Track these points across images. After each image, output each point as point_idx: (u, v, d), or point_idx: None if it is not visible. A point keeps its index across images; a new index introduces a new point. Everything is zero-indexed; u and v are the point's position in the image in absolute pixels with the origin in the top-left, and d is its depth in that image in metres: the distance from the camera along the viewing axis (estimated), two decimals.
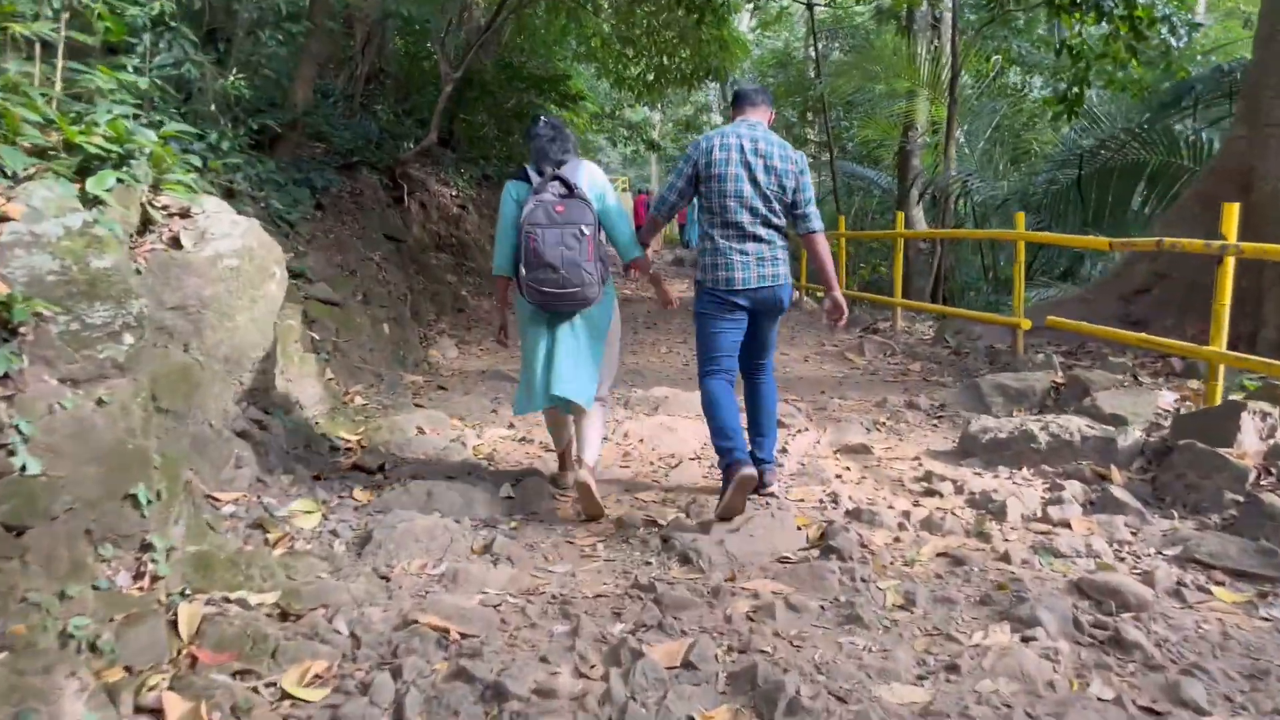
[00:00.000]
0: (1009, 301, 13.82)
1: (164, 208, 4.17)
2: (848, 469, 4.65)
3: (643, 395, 6.19)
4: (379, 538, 3.49)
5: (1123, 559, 3.44)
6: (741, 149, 3.88)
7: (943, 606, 3.05)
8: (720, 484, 3.92)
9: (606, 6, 17.56)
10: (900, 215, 8.34)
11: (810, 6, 16.13)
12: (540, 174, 3.91)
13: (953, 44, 12.41)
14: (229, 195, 6.31)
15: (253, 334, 4.29)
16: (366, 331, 6.96)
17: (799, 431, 5.36)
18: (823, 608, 3.04)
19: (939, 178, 12.12)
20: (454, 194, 16.11)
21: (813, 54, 23.87)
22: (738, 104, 4.16)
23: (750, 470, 3.73)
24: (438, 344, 8.63)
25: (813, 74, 22.30)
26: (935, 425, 5.49)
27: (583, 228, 3.77)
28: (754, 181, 3.87)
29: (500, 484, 4.31)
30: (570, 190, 3.83)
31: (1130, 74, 11.18)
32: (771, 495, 4.17)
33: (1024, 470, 4.43)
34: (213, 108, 6.14)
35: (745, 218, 3.88)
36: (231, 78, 6.14)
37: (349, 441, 4.80)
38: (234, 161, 6.53)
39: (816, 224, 4.07)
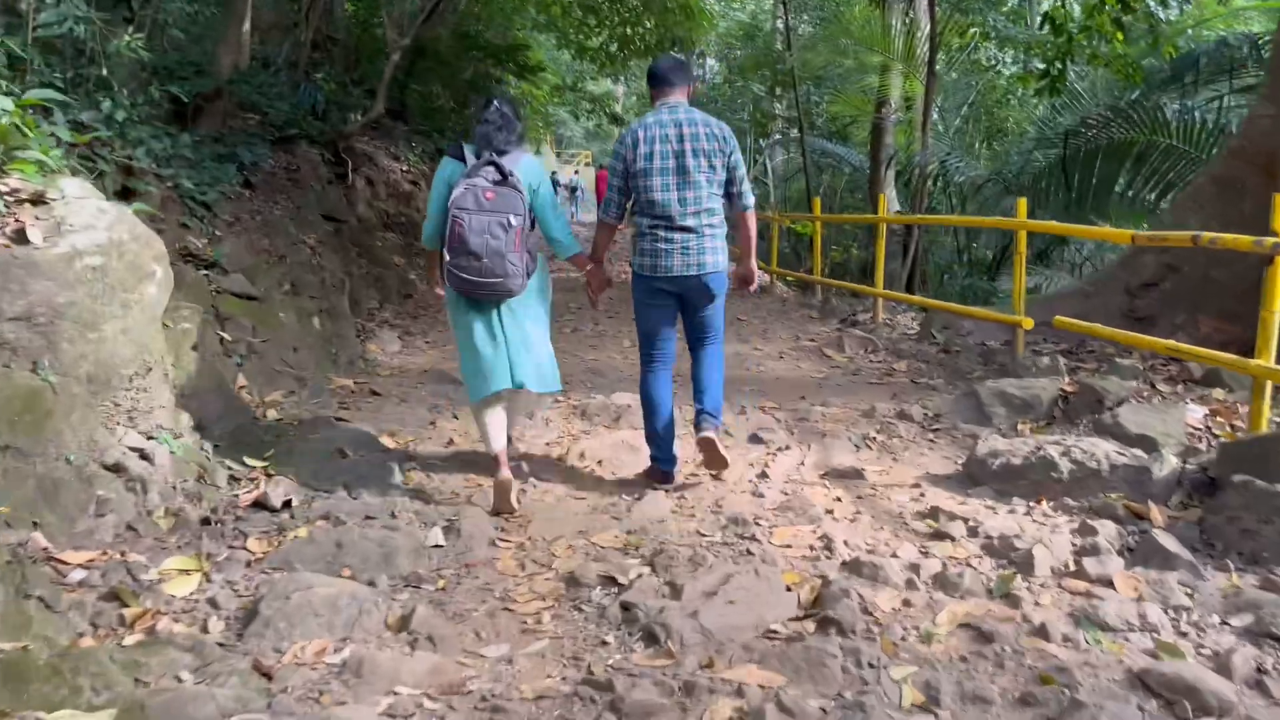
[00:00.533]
0: (987, 286, 13.33)
1: (10, 194, 3.39)
2: (839, 500, 4.00)
3: (603, 403, 5.49)
4: (267, 613, 2.78)
5: (1183, 633, 2.82)
6: (666, 138, 3.86)
7: (974, 708, 2.42)
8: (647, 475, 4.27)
9: None
10: (882, 199, 7.70)
11: None
12: (478, 157, 3.79)
13: (930, 13, 11.76)
14: (127, 173, 5.50)
15: (125, 347, 3.53)
16: (292, 328, 6.20)
17: (780, 450, 4.70)
18: (824, 710, 2.40)
19: (915, 157, 11.49)
20: (405, 169, 15.24)
21: (781, 25, 23.15)
22: (656, 86, 4.06)
23: (669, 484, 4.15)
24: (378, 336, 7.86)
25: (781, 46, 21.58)
26: (932, 441, 4.86)
27: (511, 217, 3.66)
28: (682, 170, 3.88)
29: (431, 525, 3.61)
30: (504, 177, 3.71)
31: (1115, 49, 10.61)
32: (708, 439, 4.11)
33: (1044, 504, 3.81)
34: (105, 72, 5.31)
35: (675, 208, 3.89)
36: (127, 38, 5.31)
37: (254, 469, 4.07)
38: (136, 135, 5.70)
39: (749, 200, 4.12)
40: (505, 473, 3.82)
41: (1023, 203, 6.04)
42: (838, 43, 15.20)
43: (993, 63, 18.30)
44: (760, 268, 12.12)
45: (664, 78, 4.02)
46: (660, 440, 4.13)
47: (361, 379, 6.32)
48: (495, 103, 3.90)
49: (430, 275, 4.49)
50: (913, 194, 15.91)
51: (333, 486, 3.98)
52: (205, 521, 3.49)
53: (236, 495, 3.79)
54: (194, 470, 3.80)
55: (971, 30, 14.20)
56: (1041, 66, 12.33)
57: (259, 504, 3.72)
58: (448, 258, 3.69)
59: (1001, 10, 17.79)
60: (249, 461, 4.10)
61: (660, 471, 4.17)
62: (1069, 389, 5.09)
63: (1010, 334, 6.48)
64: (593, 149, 63.71)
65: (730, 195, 4.04)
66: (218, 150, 8.03)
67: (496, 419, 3.96)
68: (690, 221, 3.89)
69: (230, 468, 4.00)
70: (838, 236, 18.79)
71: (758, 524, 3.67)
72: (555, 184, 36.26)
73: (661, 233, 3.90)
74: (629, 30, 17.49)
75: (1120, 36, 10.27)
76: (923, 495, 4.03)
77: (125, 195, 5.44)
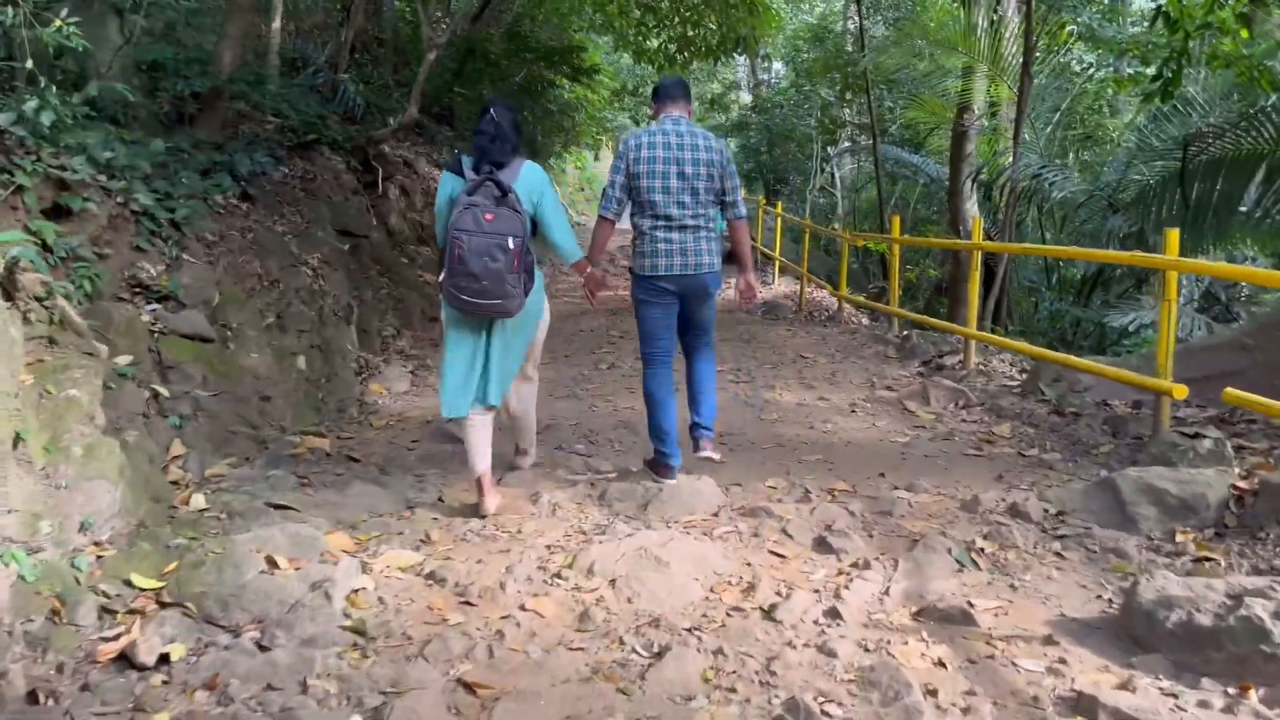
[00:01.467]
0: (1089, 315, 11.91)
1: None
2: (942, 666, 2.82)
3: (629, 486, 4.35)
4: None
5: None
6: (668, 145, 4.15)
7: None
8: (650, 468, 4.47)
9: None
10: (976, 223, 6.44)
11: None
12: (477, 170, 3.80)
13: (1026, 8, 10.41)
14: (60, 188, 4.54)
15: None
16: (265, 372, 5.20)
17: (855, 568, 3.52)
18: None
19: (1003, 169, 10.16)
20: None
21: (853, 27, 21.83)
22: (659, 100, 4.39)
23: (673, 481, 4.28)
24: (384, 374, 6.86)
25: (851, 48, 20.27)
26: (1060, 556, 3.63)
27: (510, 239, 3.69)
28: (681, 175, 4.15)
29: (354, 706, 2.52)
30: (503, 195, 3.73)
31: (1236, 48, 9.19)
32: (708, 459, 4.54)
33: (1253, 696, 2.59)
34: (29, 65, 4.35)
35: (674, 210, 4.17)
36: (59, 22, 4.34)
37: (146, 593, 3.03)
38: (75, 141, 4.75)
39: (742, 210, 4.39)
40: (487, 503, 3.96)
41: (1173, 235, 4.75)
42: (914, 44, 13.86)
43: (1085, 66, 16.81)
44: (829, 291, 10.75)
45: (668, 92, 4.38)
46: (665, 435, 4.33)
47: (347, 434, 5.30)
48: (491, 111, 3.86)
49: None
50: (1003, 212, 14.55)
51: (241, 624, 2.92)
52: (32, 697, 2.45)
53: (100, 644, 2.74)
54: (46, 605, 2.77)
55: (1068, 29, 12.79)
56: (1145, 69, 10.95)
57: (126, 658, 2.67)
58: (446, 277, 3.75)
59: (1096, 8, 16.31)
60: (138, 582, 3.05)
61: (664, 466, 4.34)
62: (1243, 486, 3.83)
63: (1140, 391, 5.21)
64: None
65: (723, 205, 4.32)
66: (213, 158, 7.12)
67: (479, 437, 4.00)
68: (689, 222, 4.19)
69: (106, 595, 2.96)
70: (909, 252, 17.45)
71: (826, 713, 2.52)
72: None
73: (661, 234, 4.19)
74: (690, 30, 16.40)
75: (1246, 34, 8.86)
76: (1063, 663, 2.82)
77: (57, 214, 4.49)
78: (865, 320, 10.92)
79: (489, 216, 3.67)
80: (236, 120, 8.85)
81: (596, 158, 36.52)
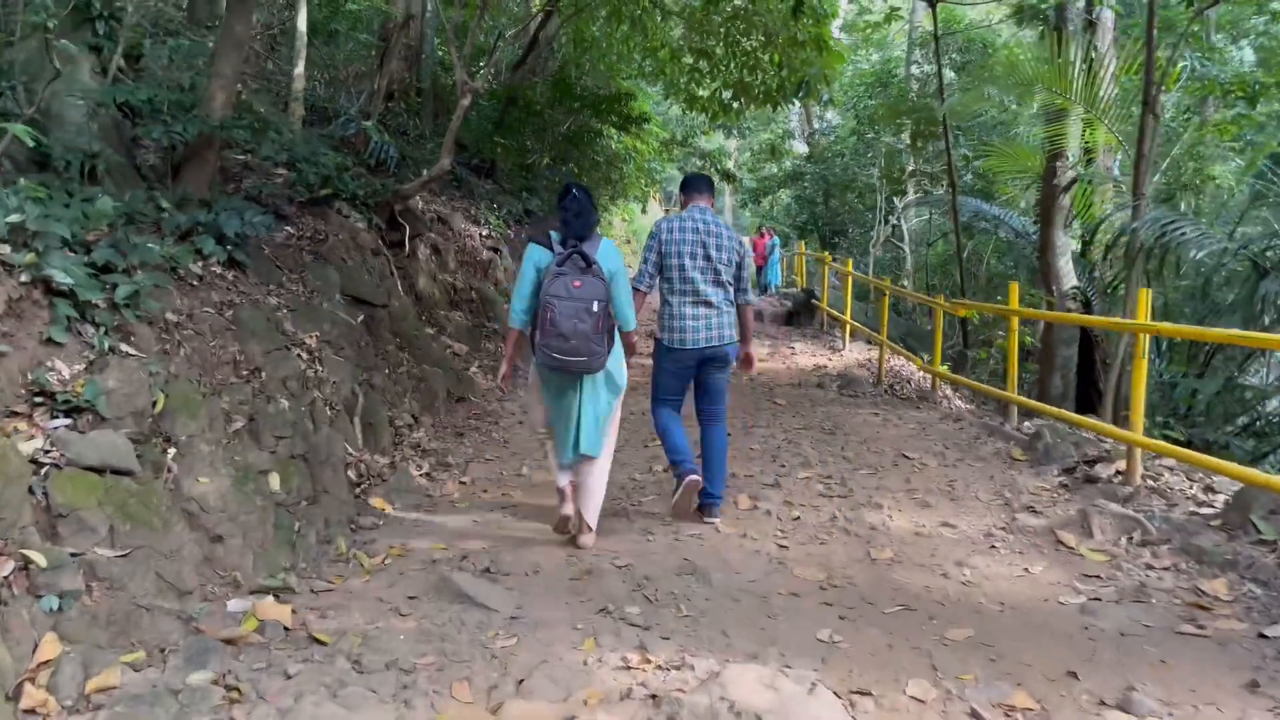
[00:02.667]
0: (1200, 387, 10.34)
1: None
2: None
3: (696, 676, 2.96)
4: None
5: None
6: (696, 230, 4.79)
7: None
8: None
9: (676, 11, 14.53)
10: (1144, 294, 5.02)
11: (933, 2, 12.86)
12: (564, 244, 4.31)
13: (1148, 35, 9.02)
14: None
15: None
16: (217, 503, 3.90)
17: None
18: None
19: (1130, 224, 8.69)
20: (485, 234, 13.18)
21: (916, 72, 20.57)
22: (687, 192, 5.06)
23: (696, 477, 4.77)
24: (393, 481, 5.55)
25: (916, 93, 18.98)
26: None
27: (595, 304, 4.21)
28: (707, 258, 4.77)
29: None
30: (588, 265, 4.25)
31: None
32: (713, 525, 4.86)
33: None
34: None
35: (699, 288, 4.76)
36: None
37: None
38: None
39: (750, 297, 5.04)
40: (567, 508, 4.55)
41: None
42: (996, 85, 12.51)
43: (1185, 111, 15.36)
44: (918, 366, 9.24)
45: (696, 186, 5.02)
46: (680, 451, 4.82)
47: (324, 586, 3.97)
48: (574, 191, 4.43)
49: (506, 360, 4.77)
50: (1125, 274, 13.03)
51: None
52: None
53: None
54: None
55: (1180, 66, 11.36)
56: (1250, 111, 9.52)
57: None
58: (539, 338, 4.26)
59: (1199, 49, 14.86)
60: None
61: (686, 471, 4.77)
62: None
63: None
64: None
65: (736, 290, 4.90)
66: (196, 218, 5.96)
67: (567, 480, 4.56)
68: (713, 298, 4.78)
69: None
70: (993, 322, 15.94)
71: None
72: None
73: (689, 309, 4.78)
74: (746, 76, 15.24)
75: None
76: None
77: None
78: (961, 401, 9.46)
79: (577, 284, 4.20)
80: (239, 174, 7.76)
81: (644, 210, 35.52)
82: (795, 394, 9.06)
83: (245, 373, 5.07)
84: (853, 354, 12.16)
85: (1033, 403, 6.93)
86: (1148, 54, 9.00)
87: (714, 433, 4.98)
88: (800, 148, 31.55)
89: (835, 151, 21.84)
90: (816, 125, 28.67)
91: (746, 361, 5.22)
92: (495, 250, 12.86)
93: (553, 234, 4.38)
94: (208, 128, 6.22)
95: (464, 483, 5.81)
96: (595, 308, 4.20)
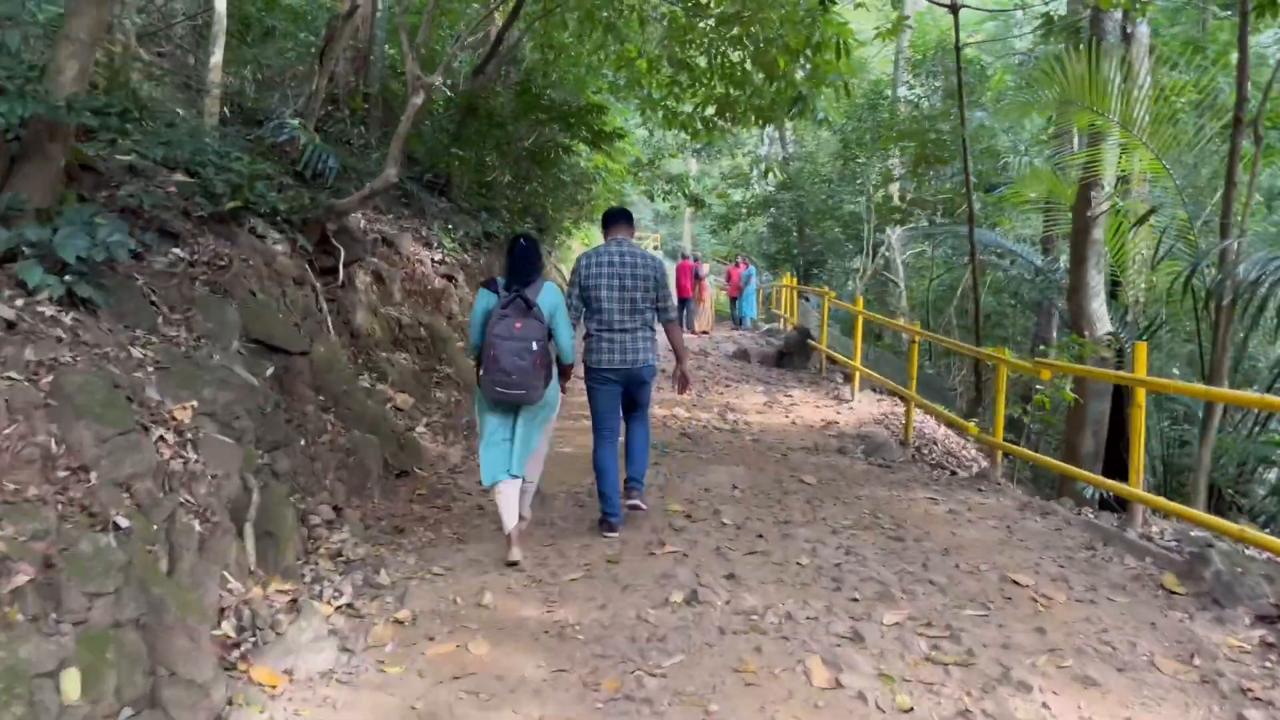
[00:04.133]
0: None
1: None
2: None
3: None
4: None
5: None
6: (612, 263, 5.17)
7: None
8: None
9: (658, 18, 12.93)
10: (1140, 348, 3.43)
11: (955, 9, 11.40)
12: (509, 288, 4.76)
13: (1241, 35, 7.59)
14: None
15: None
16: None
17: None
18: None
19: (1234, 264, 7.15)
20: (439, 259, 11.40)
21: (905, 93, 19.24)
22: (608, 227, 5.45)
23: (614, 533, 5.19)
24: (290, 632, 3.73)
25: (906, 112, 17.60)
26: None
27: (534, 343, 4.64)
28: (622, 288, 5.15)
29: None
30: (529, 309, 4.69)
31: None
32: (635, 507, 5.39)
33: None
34: None
35: (615, 317, 5.17)
36: None
37: None
38: None
39: (671, 315, 5.44)
40: (514, 554, 4.75)
41: None
42: (1032, 96, 11.06)
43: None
44: (975, 435, 7.67)
45: (615, 220, 5.43)
46: (609, 499, 5.24)
47: None
48: (521, 241, 4.91)
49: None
50: (1120, 307, 11.63)
51: None
52: None
53: None
54: None
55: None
56: None
57: None
58: (483, 374, 4.73)
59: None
60: None
61: (608, 522, 5.24)
62: None
63: None
64: (662, 231, 60.53)
65: (658, 309, 5.30)
66: (24, 234, 4.17)
67: (507, 500, 4.81)
68: (628, 325, 5.19)
69: None
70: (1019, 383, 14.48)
71: None
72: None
73: (605, 334, 5.19)
74: (732, 91, 13.69)
75: None
76: None
77: None
78: (1009, 475, 7.87)
79: (518, 325, 4.65)
80: (118, 178, 5.92)
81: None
82: (818, 464, 7.39)
83: (59, 477, 3.26)
84: (864, 406, 10.55)
85: (1177, 507, 5.30)
86: (1241, 51, 7.57)
87: (637, 429, 5.47)
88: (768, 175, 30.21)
89: (817, 177, 20.37)
90: (790, 148, 27.31)
91: (682, 381, 5.62)
92: (450, 278, 11.09)
93: (498, 280, 4.89)
94: (47, 108, 4.41)
95: (400, 621, 4.02)
96: (534, 346, 4.63)
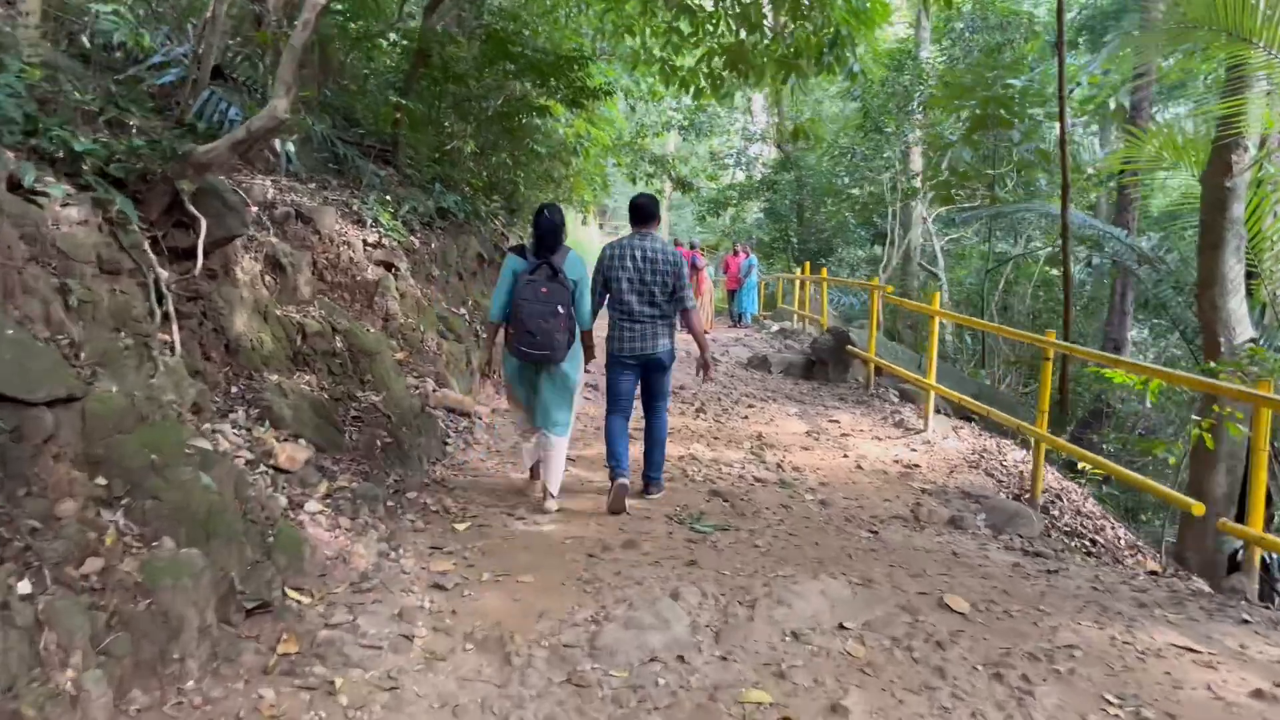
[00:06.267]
0: None
1: None
2: None
3: None
4: None
5: None
6: (634, 256, 5.46)
7: None
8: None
9: None
10: None
11: None
12: (536, 254, 5.17)
13: None
14: None
15: None
16: None
17: None
18: None
19: None
20: (372, 240, 8.63)
21: (925, 56, 16.61)
22: (635, 219, 5.65)
23: (624, 481, 5.47)
24: None
25: (936, 72, 14.95)
26: None
27: (559, 307, 5.04)
28: (643, 280, 5.44)
29: None
30: (554, 274, 5.09)
31: None
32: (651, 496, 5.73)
33: None
34: None
35: (636, 306, 5.47)
36: None
37: None
38: None
39: (689, 303, 5.59)
40: (550, 504, 5.36)
41: None
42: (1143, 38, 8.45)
43: None
44: (1228, 531, 3.76)
45: (641, 213, 5.62)
46: (618, 458, 5.53)
47: None
48: (546, 212, 5.23)
49: (485, 355, 5.88)
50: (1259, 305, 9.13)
51: None
52: None
53: None
54: None
55: None
56: None
57: None
58: (512, 334, 5.15)
59: None
60: None
61: (618, 474, 5.50)
62: None
63: None
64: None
65: (676, 300, 5.52)
66: None
67: (530, 448, 5.57)
68: (647, 314, 5.48)
69: None
70: (1085, 376, 11.92)
71: None
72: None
73: (627, 323, 5.50)
74: (746, 37, 11.01)
75: None
76: None
77: None
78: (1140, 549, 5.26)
79: (544, 290, 5.04)
80: None
81: (584, 221, 30.98)
82: (941, 558, 4.73)
83: None
84: (940, 436, 7.91)
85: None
86: None
87: (655, 423, 5.75)
88: (770, 152, 27.54)
89: (835, 149, 17.64)
90: (790, 123, 24.62)
91: (705, 368, 5.78)
92: (388, 266, 8.31)
93: (526, 245, 5.33)
94: None
95: None
96: (560, 310, 5.04)
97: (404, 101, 10.15)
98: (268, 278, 6.34)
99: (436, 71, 11.38)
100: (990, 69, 11.60)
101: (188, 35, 8.77)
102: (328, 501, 4.78)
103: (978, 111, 11.74)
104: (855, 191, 17.50)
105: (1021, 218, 13.91)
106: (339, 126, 10.27)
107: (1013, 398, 10.33)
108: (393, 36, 11.53)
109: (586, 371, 5.53)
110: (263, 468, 4.64)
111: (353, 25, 11.33)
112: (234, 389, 5.36)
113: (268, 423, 5.19)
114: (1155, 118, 12.37)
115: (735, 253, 19.22)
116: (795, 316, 15.99)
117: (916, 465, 7.00)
